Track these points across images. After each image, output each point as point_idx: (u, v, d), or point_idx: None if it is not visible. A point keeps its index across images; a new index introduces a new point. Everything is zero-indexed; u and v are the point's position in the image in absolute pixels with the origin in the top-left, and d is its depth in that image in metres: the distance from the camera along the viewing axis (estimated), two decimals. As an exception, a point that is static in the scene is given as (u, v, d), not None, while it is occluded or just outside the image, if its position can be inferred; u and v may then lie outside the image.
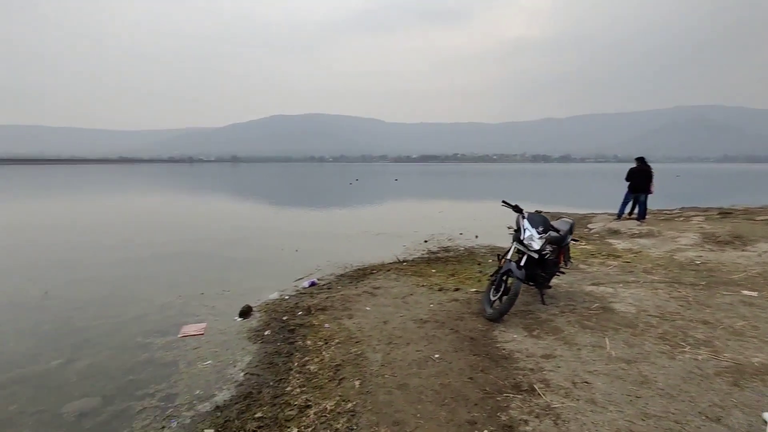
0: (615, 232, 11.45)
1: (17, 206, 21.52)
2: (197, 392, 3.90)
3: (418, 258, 9.31)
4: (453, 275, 7.59)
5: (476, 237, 11.94)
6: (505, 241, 11.08)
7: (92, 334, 5.29)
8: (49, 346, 4.96)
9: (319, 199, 27.11)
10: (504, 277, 5.30)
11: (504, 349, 4.33)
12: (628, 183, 12.60)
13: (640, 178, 12.26)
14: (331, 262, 8.97)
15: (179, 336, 5.16)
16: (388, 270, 7.94)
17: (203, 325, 5.46)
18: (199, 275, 8.00)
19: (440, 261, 8.90)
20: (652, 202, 13.88)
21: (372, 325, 5.10)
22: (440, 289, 6.60)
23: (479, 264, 8.55)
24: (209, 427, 3.33)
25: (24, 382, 4.17)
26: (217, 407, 3.63)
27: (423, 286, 6.83)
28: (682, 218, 13.41)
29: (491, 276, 5.71)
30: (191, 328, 5.34)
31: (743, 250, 8.66)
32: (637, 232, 10.98)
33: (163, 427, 3.40)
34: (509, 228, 6.22)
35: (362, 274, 7.86)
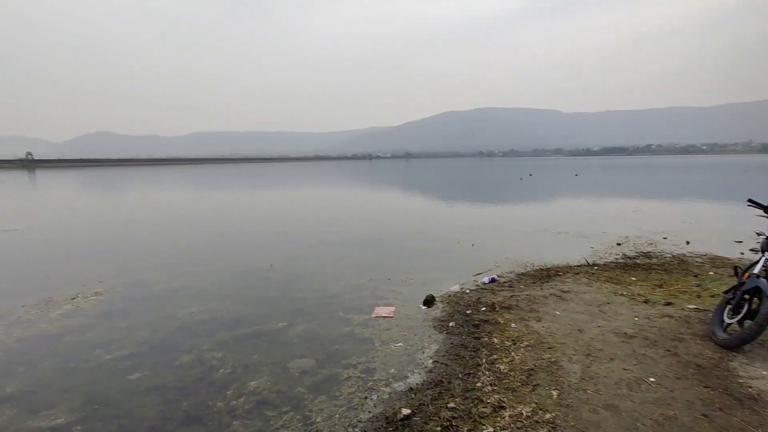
0: None
1: (252, 194, 27.11)
2: (392, 371, 4.19)
3: (612, 263, 8.20)
4: (660, 286, 6.44)
5: (687, 243, 9.92)
6: (731, 251, 8.95)
7: (305, 304, 6.23)
8: (275, 310, 6.04)
9: (491, 194, 26.54)
10: (747, 296, 4.22)
11: (751, 387, 3.43)
12: None
13: None
14: (509, 259, 8.63)
15: (373, 316, 5.66)
16: (577, 273, 7.20)
17: (392, 308, 5.87)
18: (384, 262, 8.66)
19: (640, 268, 7.66)
20: None
21: (564, 332, 4.68)
22: (645, 301, 5.67)
23: (696, 276, 7.06)
24: (405, 407, 3.53)
25: (260, 336, 5.16)
26: (411, 389, 3.82)
27: (622, 295, 5.97)
28: None
29: (725, 293, 4.61)
30: (383, 310, 5.80)
31: None
32: None
33: (366, 398, 3.75)
34: (759, 235, 4.98)
35: (546, 274, 7.32)
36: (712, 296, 5.87)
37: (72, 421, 3.49)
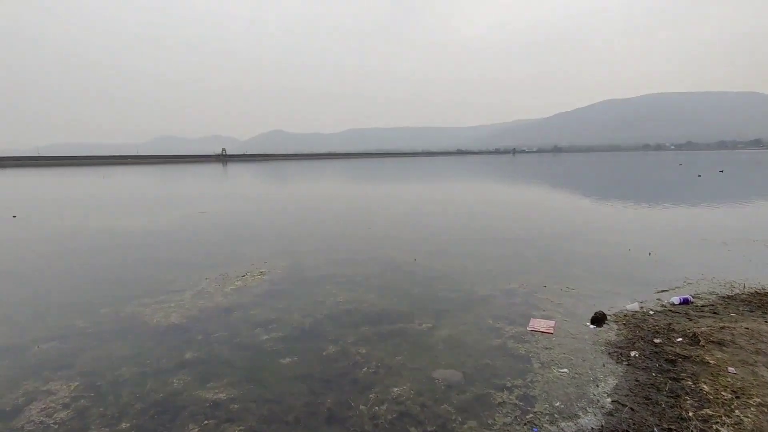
0: None
1: (395, 187, 28.03)
2: (557, 404, 3.47)
3: None
4: None
5: None
6: None
7: (450, 305, 5.79)
8: (419, 308, 5.74)
9: (666, 193, 22.35)
10: None
11: None
12: None
13: None
14: (705, 276, 6.83)
15: (528, 329, 4.92)
16: (821, 305, 5.23)
17: (552, 323, 5.03)
18: (536, 266, 7.69)
19: None
20: None
21: (821, 393, 3.28)
22: None
23: None
24: (579, 457, 2.81)
25: (404, 336, 4.89)
26: (584, 433, 3.06)
27: None
28: None
29: None
30: (540, 324, 5.01)
31: None
32: None
33: (526, 432, 3.12)
34: None
35: (766, 302, 5.50)
36: None
37: (231, 398, 3.67)
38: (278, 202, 19.25)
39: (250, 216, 14.84)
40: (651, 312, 5.26)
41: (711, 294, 5.99)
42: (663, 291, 6.16)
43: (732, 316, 4.96)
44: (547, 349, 4.43)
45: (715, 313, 5.15)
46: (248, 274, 7.41)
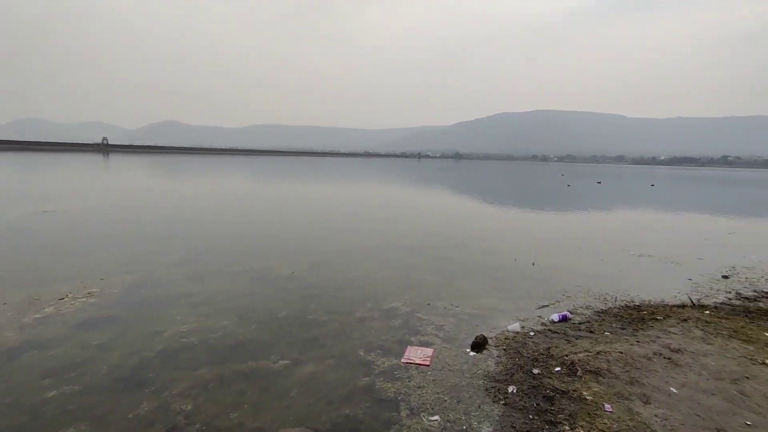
0: None
1: (294, 187, 26.54)
2: (422, 470, 2.77)
3: (725, 305, 6.25)
4: (816, 352, 4.53)
5: (823, 283, 7.66)
6: None
7: (321, 332, 4.93)
8: (283, 337, 4.78)
9: (551, 202, 24.18)
10: None
11: None
12: None
13: None
14: (582, 288, 6.90)
15: (403, 361, 4.25)
16: (684, 319, 5.37)
17: (430, 352, 4.43)
18: (426, 279, 7.19)
19: (771, 318, 5.68)
20: None
21: (694, 430, 3.04)
22: (806, 381, 3.84)
23: None
24: None
25: (253, 378, 3.91)
26: None
27: (764, 363, 4.16)
28: None
29: None
30: (417, 353, 4.38)
31: None
32: None
33: None
34: None
35: (637, 316, 5.56)
36: None
37: None
38: (151, 200, 16.76)
39: (107, 216, 12.49)
40: (532, 333, 4.94)
41: (587, 308, 5.95)
42: (544, 306, 5.99)
43: (606, 336, 4.82)
44: (419, 388, 3.77)
45: (591, 332, 4.99)
46: (70, 295, 5.78)
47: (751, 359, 4.24)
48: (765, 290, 7.06)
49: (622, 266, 8.50)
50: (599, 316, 5.64)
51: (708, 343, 4.59)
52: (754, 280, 7.74)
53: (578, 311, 5.82)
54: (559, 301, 6.22)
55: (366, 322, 5.27)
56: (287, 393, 3.69)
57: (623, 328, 5.11)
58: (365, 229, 11.84)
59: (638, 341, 4.58)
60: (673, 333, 4.85)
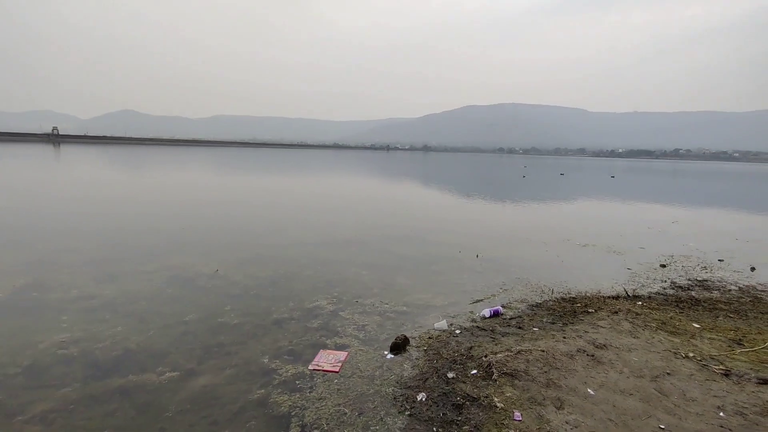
0: None
1: (249, 179, 25.55)
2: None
3: (659, 294, 6.19)
4: (739, 342, 4.45)
5: (752, 270, 7.82)
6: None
7: (229, 337, 4.44)
8: (183, 343, 4.27)
9: (511, 192, 24.33)
10: None
11: None
12: None
13: None
14: (522, 280, 6.70)
15: (310, 368, 3.83)
16: (615, 311, 5.21)
17: (343, 355, 4.03)
18: (361, 274, 6.80)
19: (701, 307, 5.64)
20: None
21: (604, 439, 2.77)
22: (726, 374, 3.71)
23: (787, 326, 5.01)
24: None
25: (132, 395, 3.39)
26: None
27: (687, 357, 4.01)
28: None
29: None
30: (328, 359, 3.97)
31: None
32: None
33: None
34: None
35: (570, 309, 5.36)
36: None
37: None
38: (87, 193, 15.55)
39: (36, 210, 11.40)
40: (458, 331, 4.63)
41: (522, 302, 5.72)
42: (478, 301, 5.72)
43: (534, 332, 4.57)
44: (320, 399, 3.37)
45: (520, 327, 4.74)
46: (-60, 302, 5.03)
47: (675, 353, 4.08)
48: (698, 279, 7.09)
49: (566, 257, 8.40)
50: (532, 310, 5.41)
51: (635, 337, 4.41)
52: (690, 268, 7.80)
53: (512, 305, 5.58)
54: (495, 295, 5.97)
55: (283, 324, 4.81)
56: (165, 412, 3.20)
57: (553, 323, 4.88)
58: (310, 222, 11.33)
59: (565, 337, 4.35)
60: (601, 327, 4.66)
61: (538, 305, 5.59)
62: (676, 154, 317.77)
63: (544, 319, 5.00)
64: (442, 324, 4.77)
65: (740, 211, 18.09)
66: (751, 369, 3.84)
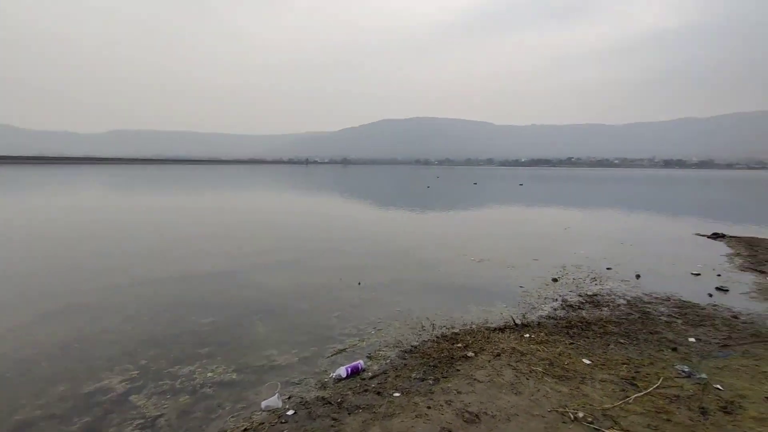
0: None
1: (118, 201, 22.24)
2: None
3: (549, 319, 5.48)
4: (632, 381, 3.72)
5: (638, 277, 7.62)
6: (694, 291, 6.68)
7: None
8: None
9: (417, 203, 23.93)
10: None
11: None
12: None
13: None
14: (402, 313, 5.66)
15: None
16: (497, 353, 4.28)
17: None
18: (199, 325, 5.24)
19: (591, 332, 4.98)
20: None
21: None
22: (622, 441, 2.84)
23: (674, 349, 4.47)
24: None
25: None
26: None
27: (576, 419, 3.11)
28: None
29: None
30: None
31: None
32: None
33: None
34: None
35: (448, 353, 4.35)
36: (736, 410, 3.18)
37: None
38: None
39: None
40: (291, 411, 3.33)
41: (394, 347, 4.61)
42: (340, 352, 4.50)
43: (393, 400, 3.43)
44: None
45: (378, 393, 3.57)
46: None
47: (563, 413, 3.18)
48: (589, 293, 6.60)
49: (458, 277, 7.59)
50: (404, 358, 4.32)
51: (516, 393, 3.47)
52: (581, 280, 7.37)
53: (381, 353, 4.45)
54: (364, 340, 4.80)
55: (27, 428, 3.15)
56: None
57: (423, 379, 3.81)
58: (164, 255, 9.39)
59: (430, 407, 3.26)
60: (478, 382, 3.66)
61: (412, 350, 4.52)
62: (569, 162, 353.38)
63: (413, 375, 3.91)
64: (273, 401, 3.44)
65: (624, 213, 19.29)
66: (647, 422, 3.04)
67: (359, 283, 7.00)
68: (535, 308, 5.95)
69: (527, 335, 4.78)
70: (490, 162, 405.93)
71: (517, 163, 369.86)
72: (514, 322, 5.24)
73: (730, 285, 7.09)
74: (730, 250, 10.13)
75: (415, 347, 4.61)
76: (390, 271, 7.96)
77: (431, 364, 4.12)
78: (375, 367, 4.14)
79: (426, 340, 4.81)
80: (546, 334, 4.84)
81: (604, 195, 33.06)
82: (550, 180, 63.13)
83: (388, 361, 4.28)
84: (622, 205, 23.74)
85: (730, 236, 11.89)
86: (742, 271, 8.17)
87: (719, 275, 7.77)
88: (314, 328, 5.19)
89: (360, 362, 4.11)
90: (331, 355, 4.42)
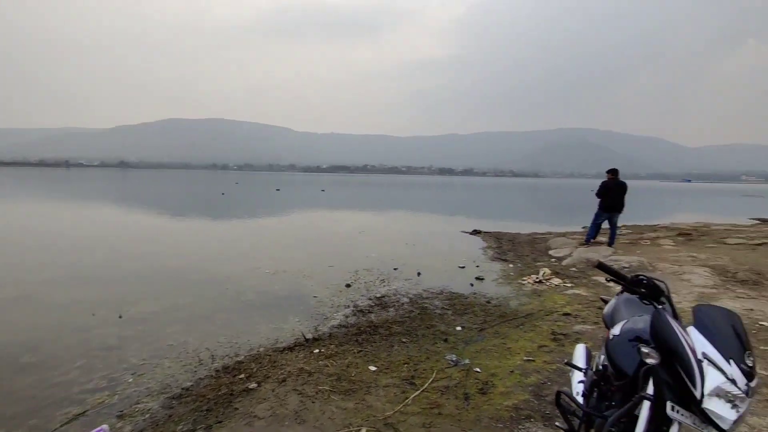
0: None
1: None
2: None
3: (341, 326, 5.46)
4: (411, 379, 3.90)
5: (418, 275, 8.45)
6: (459, 282, 7.73)
7: None
8: None
9: (211, 212, 21.80)
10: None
11: None
12: (600, 200, 10.13)
13: (616, 195, 9.84)
14: (175, 347, 4.75)
15: None
16: (283, 378, 3.92)
17: None
18: None
19: (378, 335, 5.13)
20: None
21: None
22: (401, 450, 2.84)
23: (445, 340, 4.96)
24: None
25: None
26: None
27: (359, 438, 3.00)
28: (648, 242, 11.36)
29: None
30: None
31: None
32: (626, 265, 8.34)
33: None
34: (604, 302, 2.47)
35: (228, 390, 3.76)
36: (486, 391, 3.61)
37: None
38: None
39: None
40: None
41: (159, 394, 3.73)
42: (76, 417, 3.39)
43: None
44: None
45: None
46: None
47: (346, 430, 3.04)
48: (378, 296, 6.93)
49: (248, 293, 6.96)
50: (170, 408, 3.53)
51: (301, 422, 3.15)
52: (371, 283, 7.74)
53: (138, 407, 3.53)
54: (116, 392, 3.76)
55: None
56: None
57: (192, 431, 3.14)
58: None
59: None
60: (258, 419, 3.22)
61: (182, 394, 3.75)
62: (365, 169, 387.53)
63: (179, 428, 3.19)
64: None
65: (410, 214, 21.82)
66: (423, 426, 3.16)
67: (120, 317, 5.65)
68: (327, 318, 5.86)
69: (317, 350, 4.58)
70: (292, 168, 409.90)
71: (319, 169, 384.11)
72: (305, 337, 4.99)
73: (485, 274, 8.52)
74: (484, 244, 12.38)
75: (188, 389, 3.85)
76: (165, 296, 6.74)
77: (205, 408, 3.47)
78: (127, 429, 3.24)
79: (203, 377, 4.10)
80: (336, 346, 4.74)
81: (394, 199, 37.02)
82: (349, 185, 67.45)
83: (147, 416, 3.42)
84: (408, 207, 26.91)
85: (485, 232, 14.62)
86: (492, 260, 9.99)
87: (478, 266, 9.29)
88: (40, 390, 3.83)
89: (104, 427, 3.14)
90: (61, 426, 3.28)
